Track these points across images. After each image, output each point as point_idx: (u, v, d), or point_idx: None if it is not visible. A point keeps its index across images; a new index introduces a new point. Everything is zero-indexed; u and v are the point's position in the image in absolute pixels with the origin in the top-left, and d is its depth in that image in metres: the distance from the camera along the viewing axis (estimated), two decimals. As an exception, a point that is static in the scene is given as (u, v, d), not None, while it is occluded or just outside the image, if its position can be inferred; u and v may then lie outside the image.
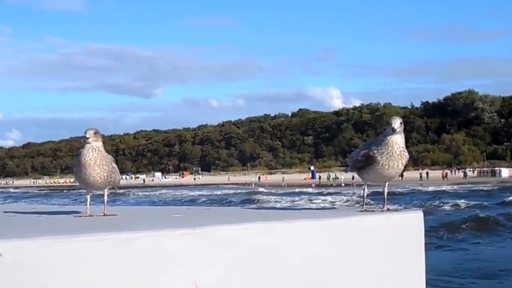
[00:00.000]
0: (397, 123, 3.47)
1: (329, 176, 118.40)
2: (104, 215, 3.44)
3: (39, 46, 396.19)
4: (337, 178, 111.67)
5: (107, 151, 3.27)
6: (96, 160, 3.27)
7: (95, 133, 3.30)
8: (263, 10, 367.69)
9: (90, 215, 3.42)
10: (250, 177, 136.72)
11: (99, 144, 3.32)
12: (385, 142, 3.49)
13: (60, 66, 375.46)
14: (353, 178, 66.73)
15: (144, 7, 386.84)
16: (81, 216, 3.42)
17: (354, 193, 54.63)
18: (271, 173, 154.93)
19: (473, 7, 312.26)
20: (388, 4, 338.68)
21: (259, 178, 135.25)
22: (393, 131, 3.46)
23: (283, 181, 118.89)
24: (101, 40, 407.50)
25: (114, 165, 3.39)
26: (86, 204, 3.51)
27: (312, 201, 49.41)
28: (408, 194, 53.79)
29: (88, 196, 3.49)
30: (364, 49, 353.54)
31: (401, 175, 3.79)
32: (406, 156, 3.52)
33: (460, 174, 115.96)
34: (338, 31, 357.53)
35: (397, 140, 3.49)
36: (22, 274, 2.17)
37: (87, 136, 3.27)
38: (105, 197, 3.47)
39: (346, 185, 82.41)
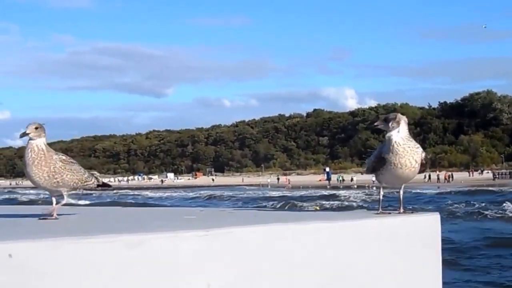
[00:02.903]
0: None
1: (339, 178, 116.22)
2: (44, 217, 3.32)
3: (47, 44, 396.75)
4: (344, 180, 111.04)
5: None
6: (34, 160, 3.18)
7: (36, 128, 3.21)
8: (275, 9, 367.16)
9: (55, 218, 3.30)
10: (266, 178, 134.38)
11: (41, 141, 3.21)
12: (387, 141, 3.54)
13: (68, 65, 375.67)
14: (373, 182, 64.05)
15: (154, 5, 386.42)
16: (46, 218, 3.29)
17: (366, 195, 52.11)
18: (285, 174, 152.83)
19: (488, 7, 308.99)
20: (403, 4, 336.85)
21: (278, 179, 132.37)
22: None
23: (288, 182, 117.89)
24: (111, 38, 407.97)
25: (61, 164, 3.25)
26: (52, 205, 3.39)
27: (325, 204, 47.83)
28: (435, 195, 51.13)
29: (53, 198, 3.37)
30: (378, 49, 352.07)
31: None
32: (417, 152, 3.51)
33: (477, 175, 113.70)
34: (352, 31, 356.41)
35: (393, 136, 3.51)
36: (31, 276, 2.16)
37: (27, 131, 3.19)
38: (64, 199, 3.35)
39: (358, 187, 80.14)
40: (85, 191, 3.76)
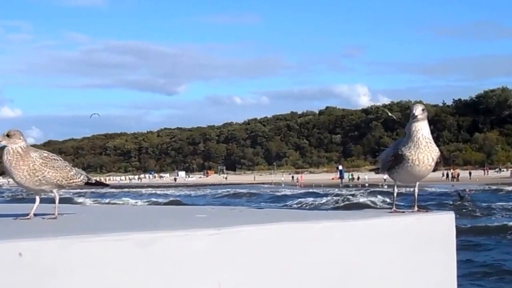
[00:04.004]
0: (418, 109, 3.42)
1: (350, 176, 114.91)
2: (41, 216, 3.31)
3: (60, 42, 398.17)
4: (354, 178, 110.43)
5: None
6: (11, 162, 3.18)
7: (8, 135, 3.19)
8: (286, 7, 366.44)
9: (28, 217, 3.29)
10: (278, 177, 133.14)
11: (16, 145, 3.19)
12: (410, 133, 3.43)
13: (80, 63, 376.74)
14: (384, 180, 62.73)
15: (166, 3, 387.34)
16: (28, 218, 3.27)
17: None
18: (297, 173, 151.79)
19: (501, 4, 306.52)
20: (417, 2, 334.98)
21: (292, 177, 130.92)
22: (413, 117, 3.40)
23: (297, 181, 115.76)
24: (123, 36, 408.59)
25: (42, 161, 3.23)
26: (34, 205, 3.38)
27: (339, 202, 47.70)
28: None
29: (37, 197, 3.38)
30: (391, 46, 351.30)
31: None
32: (435, 149, 3.45)
33: (492, 173, 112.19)
34: (365, 28, 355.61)
35: (421, 127, 3.42)
36: (42, 275, 2.16)
37: None
38: (56, 197, 3.34)
39: (370, 185, 78.94)
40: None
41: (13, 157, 3.17)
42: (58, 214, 3.33)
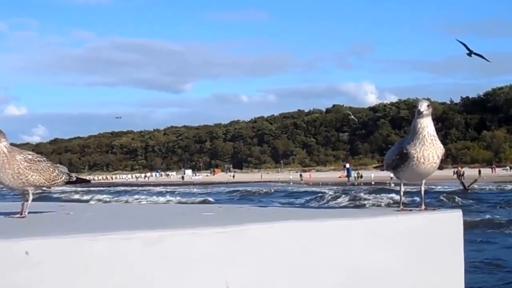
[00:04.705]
0: (423, 105, 3.41)
1: (356, 174, 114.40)
2: (20, 215, 3.32)
3: (66, 40, 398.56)
4: (360, 176, 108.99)
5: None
6: None
7: None
8: (294, 4, 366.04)
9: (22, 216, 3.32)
10: (286, 175, 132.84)
11: (1, 145, 3.17)
12: (415, 130, 3.42)
13: (87, 60, 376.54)
14: (391, 178, 62.16)
15: (173, 1, 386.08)
16: (23, 216, 3.30)
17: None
18: (304, 171, 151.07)
19: (510, 1, 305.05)
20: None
21: (300, 175, 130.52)
22: (419, 113, 3.39)
23: (302, 179, 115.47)
24: (129, 34, 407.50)
25: (27, 164, 3.23)
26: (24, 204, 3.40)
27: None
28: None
29: (25, 196, 3.37)
30: (398, 44, 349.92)
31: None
32: (440, 147, 3.44)
33: (500, 171, 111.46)
34: (373, 25, 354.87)
35: (426, 124, 3.41)
36: (48, 273, 2.17)
37: None
38: (30, 197, 3.32)
39: (376, 183, 78.49)
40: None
41: None
42: (28, 213, 3.32)
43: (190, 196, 57.02)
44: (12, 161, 3.18)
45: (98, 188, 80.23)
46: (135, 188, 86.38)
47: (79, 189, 65.18)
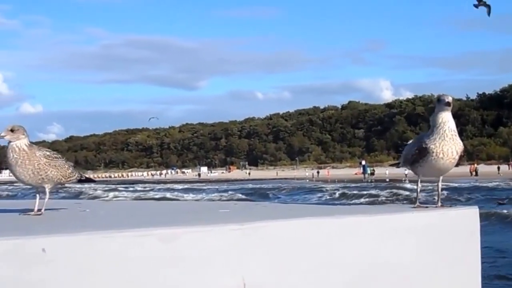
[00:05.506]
0: (450, 97, 3.38)
1: (370, 171, 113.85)
2: (37, 213, 3.33)
3: (79, 37, 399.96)
4: (373, 173, 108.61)
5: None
6: (17, 161, 3.21)
7: (12, 130, 3.21)
8: (307, 1, 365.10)
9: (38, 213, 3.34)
10: (302, 172, 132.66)
11: (21, 142, 3.22)
12: (436, 125, 3.39)
13: (101, 58, 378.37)
14: (405, 175, 61.66)
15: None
16: (29, 214, 3.32)
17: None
18: (320, 168, 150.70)
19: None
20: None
21: (317, 172, 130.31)
22: (447, 105, 3.35)
23: (312, 176, 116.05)
24: (143, 31, 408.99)
25: (46, 160, 3.28)
26: (35, 201, 3.43)
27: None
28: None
29: (37, 194, 3.42)
30: (413, 40, 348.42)
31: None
32: (460, 143, 3.41)
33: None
34: (388, 21, 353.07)
35: (448, 119, 3.37)
36: (65, 270, 2.17)
37: (2, 134, 3.22)
38: (46, 194, 3.37)
39: (391, 180, 78.15)
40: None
41: (19, 155, 3.21)
42: (45, 210, 3.34)
43: (207, 193, 57.02)
44: (32, 157, 3.23)
45: (114, 185, 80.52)
46: (151, 185, 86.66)
47: (95, 186, 65.40)
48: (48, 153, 3.31)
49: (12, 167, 3.23)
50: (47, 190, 3.36)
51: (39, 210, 3.34)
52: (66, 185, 3.57)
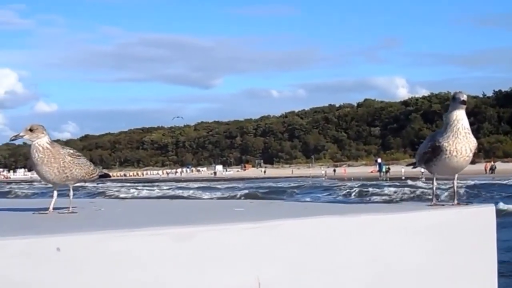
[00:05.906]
0: (465, 95, 3.38)
1: (385, 168, 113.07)
2: (69, 211, 3.36)
3: (94, 36, 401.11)
4: (388, 171, 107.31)
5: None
6: (43, 160, 3.20)
7: (30, 129, 3.18)
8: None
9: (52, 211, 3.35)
10: (317, 170, 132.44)
11: (42, 141, 3.20)
12: (450, 122, 3.38)
13: (115, 56, 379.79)
14: (421, 173, 61.32)
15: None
16: (47, 213, 3.31)
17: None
18: (336, 166, 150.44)
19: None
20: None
21: (334, 170, 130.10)
22: (462, 103, 3.36)
23: (325, 174, 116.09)
24: (158, 30, 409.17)
25: (70, 158, 3.28)
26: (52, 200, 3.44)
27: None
28: None
29: (55, 192, 3.41)
30: (428, 38, 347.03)
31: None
32: (473, 140, 3.40)
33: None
34: (403, 18, 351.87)
35: (462, 117, 3.37)
36: (80, 269, 2.17)
37: (21, 134, 3.20)
38: (71, 192, 3.40)
39: (406, 178, 77.85)
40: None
41: (44, 154, 3.19)
42: (54, 209, 3.34)
43: (222, 192, 57.00)
44: (57, 155, 3.22)
45: (129, 184, 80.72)
46: (166, 183, 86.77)
47: (110, 184, 65.58)
48: (71, 151, 3.31)
49: (38, 167, 3.21)
50: (71, 188, 3.37)
51: (69, 208, 3.35)
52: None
